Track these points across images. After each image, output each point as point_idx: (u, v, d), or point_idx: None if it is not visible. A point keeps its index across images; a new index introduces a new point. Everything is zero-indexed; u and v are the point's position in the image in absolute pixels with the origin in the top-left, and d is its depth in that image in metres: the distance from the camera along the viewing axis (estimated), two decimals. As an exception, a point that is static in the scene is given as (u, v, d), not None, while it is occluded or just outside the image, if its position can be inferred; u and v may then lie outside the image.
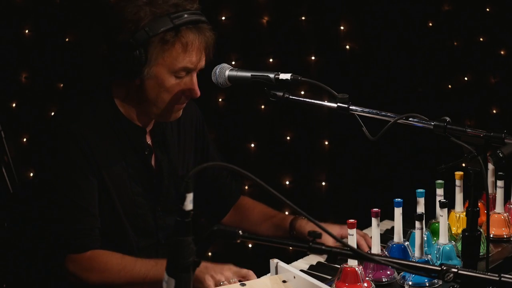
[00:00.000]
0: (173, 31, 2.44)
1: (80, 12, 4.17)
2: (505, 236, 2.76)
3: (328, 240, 2.47)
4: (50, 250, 2.58)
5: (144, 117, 2.62)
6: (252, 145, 4.74)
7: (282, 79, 2.39)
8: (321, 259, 2.65)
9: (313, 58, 4.77)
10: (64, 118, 2.58)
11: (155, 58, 2.46)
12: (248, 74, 2.45)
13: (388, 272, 2.45)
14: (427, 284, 2.39)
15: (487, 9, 4.81)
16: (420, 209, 2.50)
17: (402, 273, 2.44)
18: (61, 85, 4.27)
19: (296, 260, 2.69)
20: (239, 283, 2.19)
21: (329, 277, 2.48)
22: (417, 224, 2.40)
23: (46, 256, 2.66)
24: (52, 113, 2.64)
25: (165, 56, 2.47)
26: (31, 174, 4.03)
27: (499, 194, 2.75)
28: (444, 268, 1.68)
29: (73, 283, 2.52)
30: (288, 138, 4.78)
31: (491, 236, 2.74)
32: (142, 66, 2.45)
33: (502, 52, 4.83)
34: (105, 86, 2.61)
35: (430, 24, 4.84)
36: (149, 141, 2.67)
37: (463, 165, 2.13)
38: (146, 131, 2.65)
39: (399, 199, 2.47)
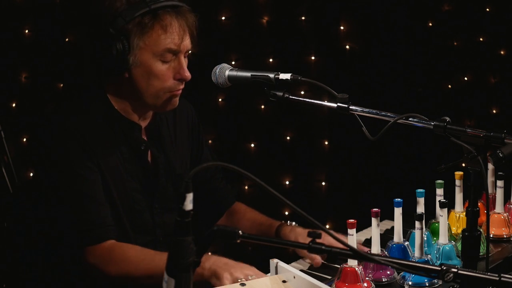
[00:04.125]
0: (150, 14, 2.46)
1: (79, 12, 4.18)
2: (505, 236, 2.75)
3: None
4: (65, 248, 2.55)
5: (139, 112, 2.62)
6: (252, 145, 4.74)
7: (282, 79, 2.38)
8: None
9: (313, 58, 4.77)
10: (60, 116, 2.58)
11: (137, 44, 2.47)
12: (248, 74, 2.45)
13: (388, 272, 2.45)
14: (427, 284, 2.39)
15: (487, 9, 4.81)
16: (420, 209, 2.50)
17: (402, 273, 2.44)
18: (61, 85, 4.27)
19: (296, 260, 2.69)
20: (239, 283, 2.19)
21: (329, 277, 2.48)
22: (417, 224, 2.40)
23: (58, 254, 2.62)
24: (50, 113, 2.63)
25: (146, 40, 2.47)
26: (31, 174, 4.03)
27: (499, 194, 2.75)
28: (444, 268, 1.68)
29: (93, 276, 2.50)
30: (288, 138, 4.78)
31: (491, 236, 2.74)
32: (127, 54, 2.46)
33: (502, 52, 4.83)
34: (99, 84, 2.62)
35: (430, 24, 4.84)
36: (144, 137, 2.67)
37: (463, 165, 2.13)
38: (141, 127, 2.65)
39: (399, 199, 2.47)
